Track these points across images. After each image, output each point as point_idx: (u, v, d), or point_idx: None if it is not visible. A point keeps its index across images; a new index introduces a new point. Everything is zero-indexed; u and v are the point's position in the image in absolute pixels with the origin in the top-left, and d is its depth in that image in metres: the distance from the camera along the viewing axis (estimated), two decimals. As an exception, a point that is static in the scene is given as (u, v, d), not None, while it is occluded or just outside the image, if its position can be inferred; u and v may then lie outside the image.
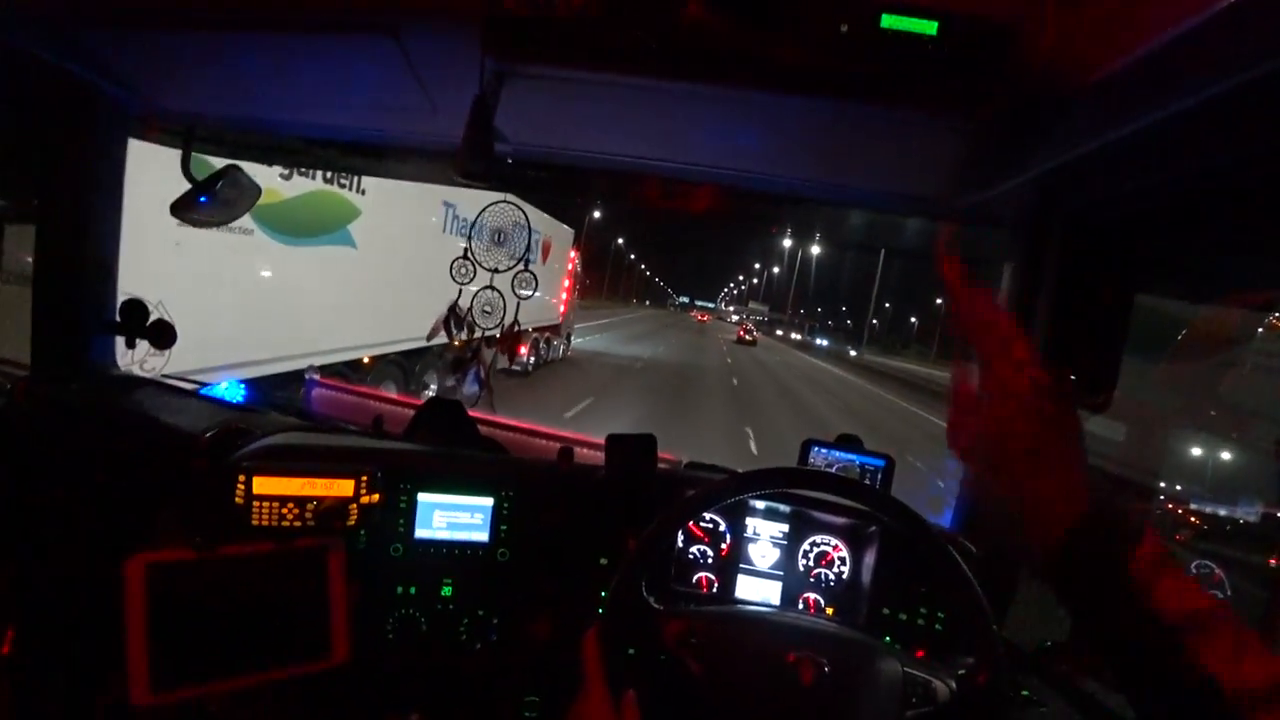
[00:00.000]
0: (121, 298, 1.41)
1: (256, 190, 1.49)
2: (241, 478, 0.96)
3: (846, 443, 1.41)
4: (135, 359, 1.51)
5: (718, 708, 0.74)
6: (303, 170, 4.70)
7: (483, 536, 1.15)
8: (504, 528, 1.16)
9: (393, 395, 1.55)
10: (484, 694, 1.18)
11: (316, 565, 1.03)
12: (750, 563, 1.26)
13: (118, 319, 1.37)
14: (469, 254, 1.26)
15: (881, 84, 0.78)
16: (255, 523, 0.97)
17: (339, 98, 1.25)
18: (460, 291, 1.24)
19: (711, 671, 0.75)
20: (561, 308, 13.19)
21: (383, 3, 0.87)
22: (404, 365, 6.88)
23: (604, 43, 0.81)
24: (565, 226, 12.65)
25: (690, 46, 0.79)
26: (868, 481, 1.35)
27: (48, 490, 1.19)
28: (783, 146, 1.10)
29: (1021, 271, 1.12)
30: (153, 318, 1.37)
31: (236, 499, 0.96)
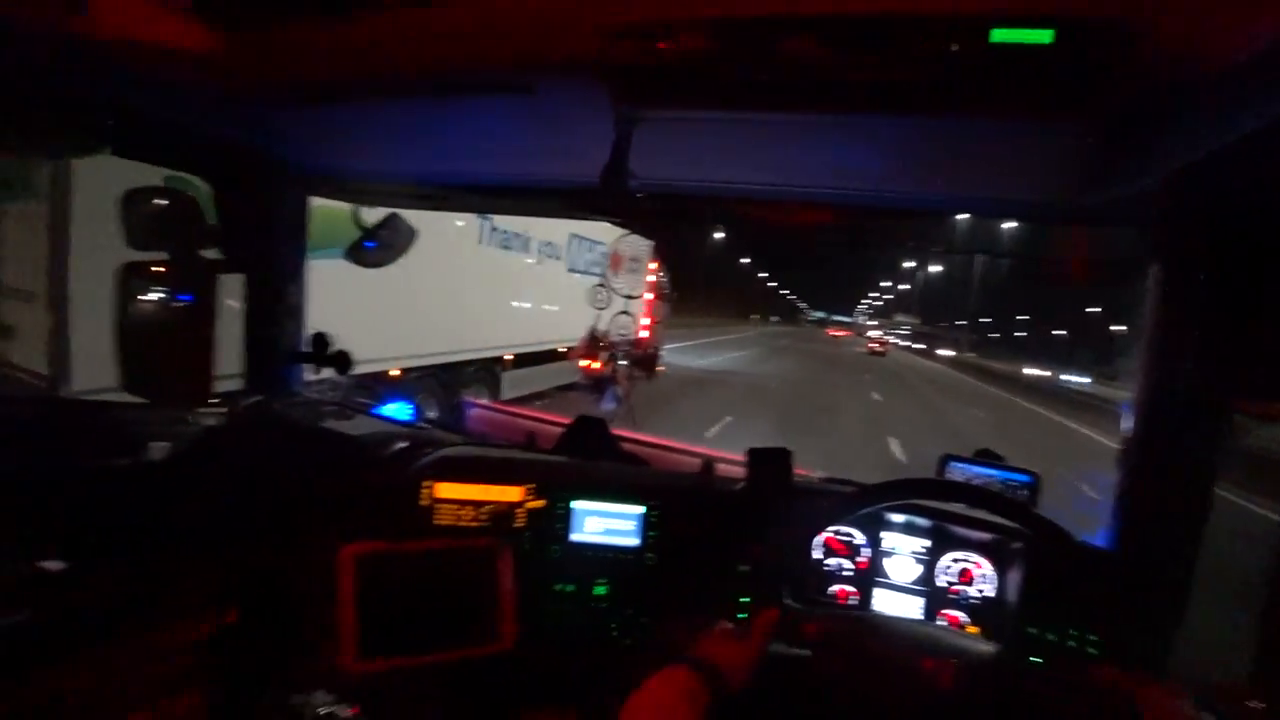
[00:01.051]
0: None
1: (412, 233, 1.70)
2: (426, 484, 1.12)
3: (987, 457, 1.38)
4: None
5: (852, 709, 0.76)
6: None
7: (633, 542, 1.25)
8: (652, 534, 1.25)
9: (541, 414, 1.69)
10: (630, 690, 1.26)
11: (488, 561, 1.16)
12: (888, 577, 1.27)
13: (306, 349, 1.60)
14: (605, 282, 1.37)
15: (996, 96, 0.77)
16: (436, 522, 1.12)
17: (480, 150, 1.39)
18: (599, 316, 1.35)
19: (847, 673, 0.78)
20: (644, 322, 13.07)
21: (520, 65, 0.96)
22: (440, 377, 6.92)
23: (717, 82, 0.86)
24: (641, 239, 12.52)
25: (798, 79, 0.82)
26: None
27: (262, 491, 1.42)
28: (898, 164, 1.12)
29: (1166, 271, 1.07)
30: (333, 348, 1.60)
31: (422, 501, 1.12)
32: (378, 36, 1.06)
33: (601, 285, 1.38)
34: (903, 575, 1.27)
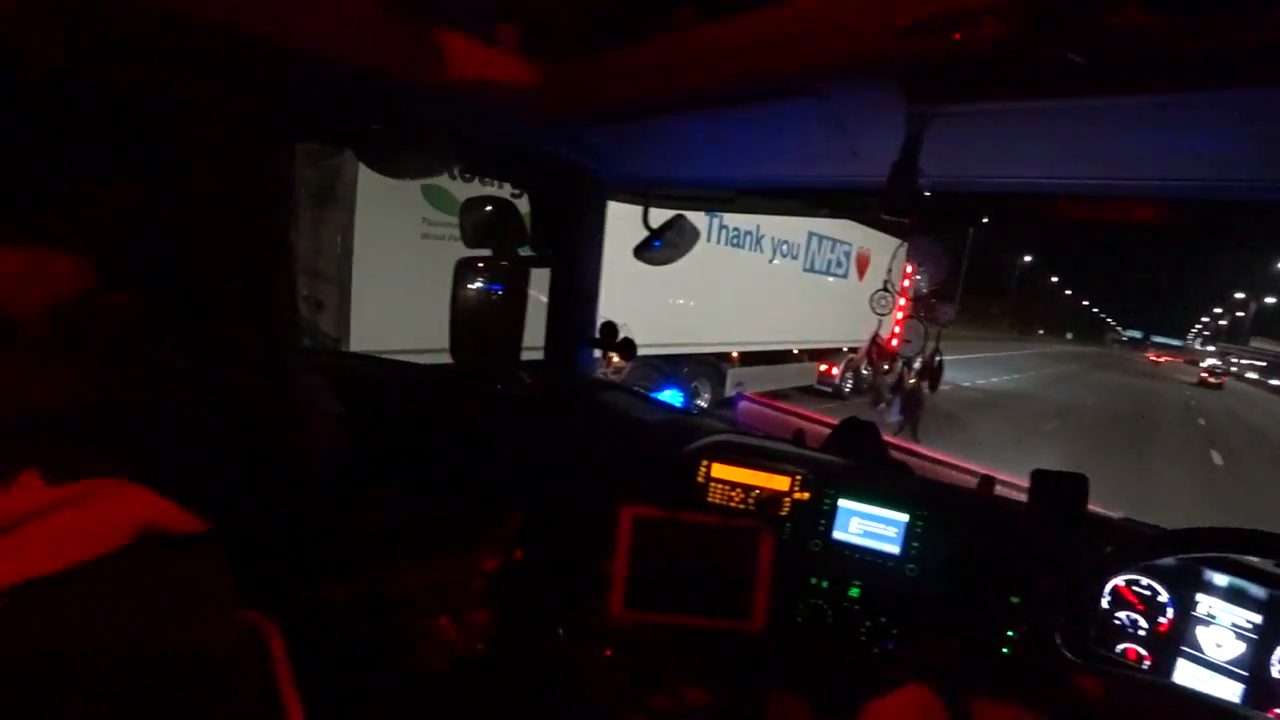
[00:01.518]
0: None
1: (696, 233, 1.86)
2: (704, 462, 1.22)
3: None
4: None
5: None
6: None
7: (894, 549, 1.24)
8: (915, 545, 1.23)
9: (811, 413, 1.74)
10: (870, 696, 1.25)
11: (751, 542, 1.24)
12: (1198, 649, 1.08)
13: (598, 335, 1.85)
14: (888, 285, 1.37)
15: None
16: (709, 500, 1.22)
17: (767, 154, 1.46)
18: (880, 322, 1.36)
19: None
20: (894, 327, 12.09)
21: (810, 69, 0.97)
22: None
23: (1024, 69, 0.79)
24: (891, 238, 11.45)
25: (1123, 57, 0.72)
26: None
27: (552, 453, 1.67)
28: (1243, 147, 0.95)
29: None
30: (620, 336, 1.81)
31: (699, 478, 1.23)
32: (672, 56, 1.16)
33: (885, 290, 1.35)
34: (1219, 651, 1.06)
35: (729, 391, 7.29)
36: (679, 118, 1.33)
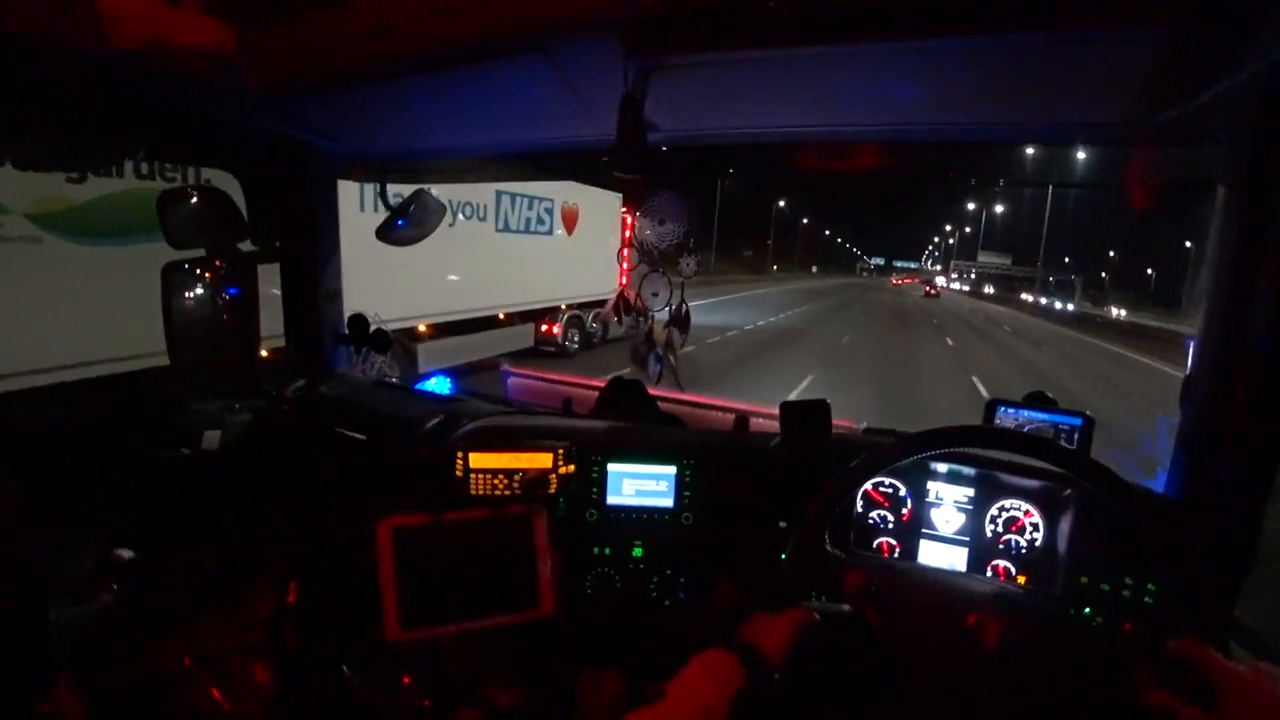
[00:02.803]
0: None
1: (442, 208, 1.71)
2: (460, 455, 1.13)
3: (1037, 401, 1.32)
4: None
5: (891, 664, 0.73)
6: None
7: (668, 503, 1.25)
8: (687, 494, 1.25)
9: (579, 379, 1.70)
10: (674, 650, 1.27)
11: (525, 528, 1.18)
12: (934, 528, 1.24)
13: (346, 331, 1.65)
14: (634, 242, 1.35)
15: (1051, 7, 0.72)
16: (473, 492, 1.14)
17: (500, 116, 1.39)
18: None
19: (888, 624, 0.75)
20: (621, 279, 12.10)
21: (531, 24, 0.95)
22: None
23: (743, 22, 0.82)
24: (605, 190, 11.11)
25: (833, 8, 0.77)
26: (1063, 442, 1.26)
27: (312, 472, 1.47)
28: (944, 92, 1.05)
29: (1243, 191, 0.98)
30: (372, 328, 1.63)
31: (456, 472, 1.13)
32: (386, 15, 1.06)
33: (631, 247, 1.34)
34: (948, 526, 1.23)
35: (423, 367, 6.82)
36: (403, 84, 1.23)
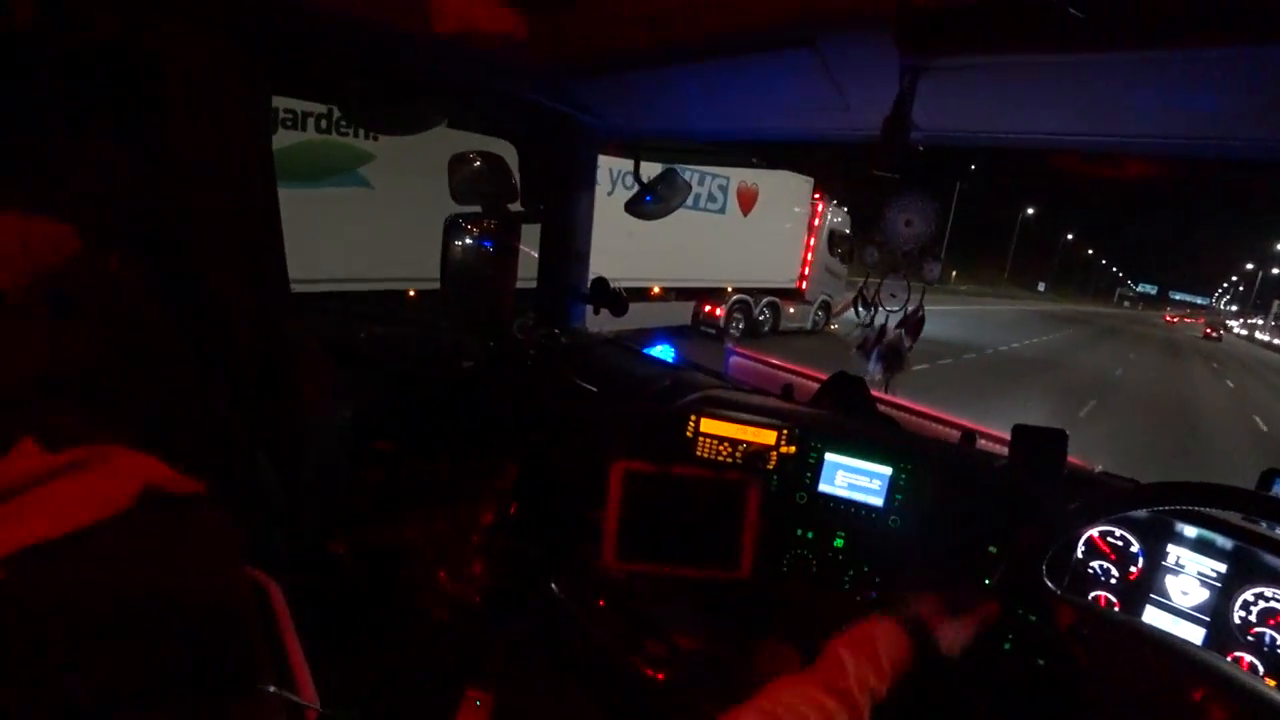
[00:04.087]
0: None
1: (688, 188, 1.85)
2: (693, 417, 1.25)
3: None
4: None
5: (1095, 711, 0.69)
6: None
7: (878, 501, 1.28)
8: (898, 497, 1.27)
9: (800, 368, 1.76)
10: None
11: (739, 495, 1.27)
12: (1165, 596, 1.12)
13: (588, 291, 1.85)
14: (878, 238, 1.36)
15: None
16: (698, 453, 1.25)
17: (759, 106, 1.44)
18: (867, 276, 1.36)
19: (1097, 670, 0.71)
20: (800, 269, 11.36)
21: (802, 18, 0.97)
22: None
23: (1024, 23, 0.78)
24: (795, 175, 10.66)
25: (1126, 10, 0.72)
26: None
27: (545, 407, 1.70)
28: (1248, 105, 0.93)
29: None
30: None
31: (687, 433, 1.26)
32: (660, 6, 1.14)
33: (873, 243, 1.34)
34: (1185, 598, 1.11)
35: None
36: (668, 69, 1.32)
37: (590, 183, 1.94)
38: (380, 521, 1.79)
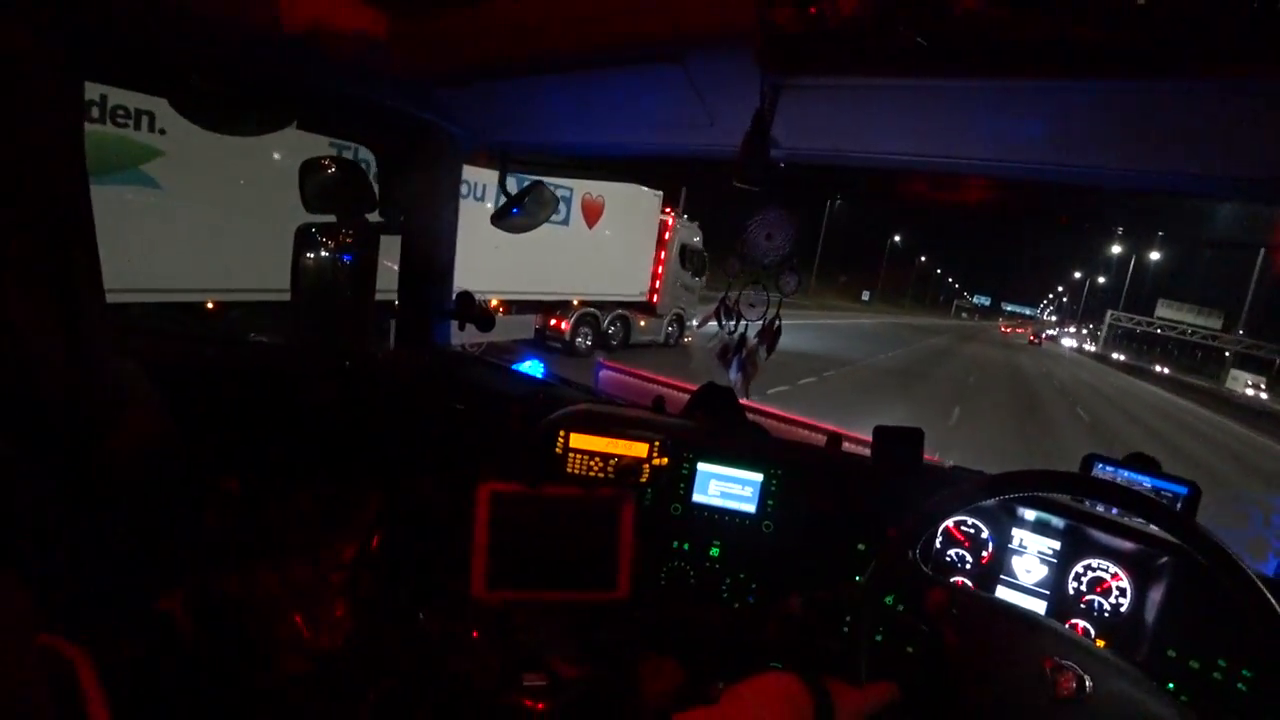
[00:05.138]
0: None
1: (556, 201, 1.81)
2: (562, 433, 1.21)
3: (1139, 462, 1.28)
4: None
5: (962, 686, 0.74)
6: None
7: (750, 508, 1.29)
8: (770, 503, 1.29)
9: (670, 380, 1.76)
10: (736, 652, 1.30)
11: (612, 511, 1.24)
12: (1013, 575, 1.23)
13: (453, 307, 1.76)
14: (740, 250, 1.40)
15: (1198, 56, 0.69)
16: (569, 470, 1.21)
17: (627, 120, 1.45)
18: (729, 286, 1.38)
19: (964, 648, 0.76)
20: (651, 283, 11.36)
21: (670, 35, 0.99)
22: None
23: (876, 48, 0.82)
24: (642, 188, 10.61)
25: (966, 42, 0.77)
26: None
27: (408, 431, 1.59)
28: (1074, 134, 1.04)
29: None
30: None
31: (557, 449, 1.21)
32: (529, 16, 1.13)
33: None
34: (1028, 576, 1.22)
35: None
36: (538, 80, 1.30)
37: (454, 194, 1.85)
38: (227, 570, 1.60)
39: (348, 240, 1.84)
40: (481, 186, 7.40)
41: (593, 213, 9.83)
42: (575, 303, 10.04)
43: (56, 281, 0.86)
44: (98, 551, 0.97)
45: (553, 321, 9.85)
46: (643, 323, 11.69)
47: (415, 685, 1.40)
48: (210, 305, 6.06)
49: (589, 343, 10.33)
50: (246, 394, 1.67)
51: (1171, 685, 1.03)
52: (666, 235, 11.46)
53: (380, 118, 1.71)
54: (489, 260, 7.51)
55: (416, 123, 1.69)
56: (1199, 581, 1.05)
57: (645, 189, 10.70)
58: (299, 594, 1.63)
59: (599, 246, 10.01)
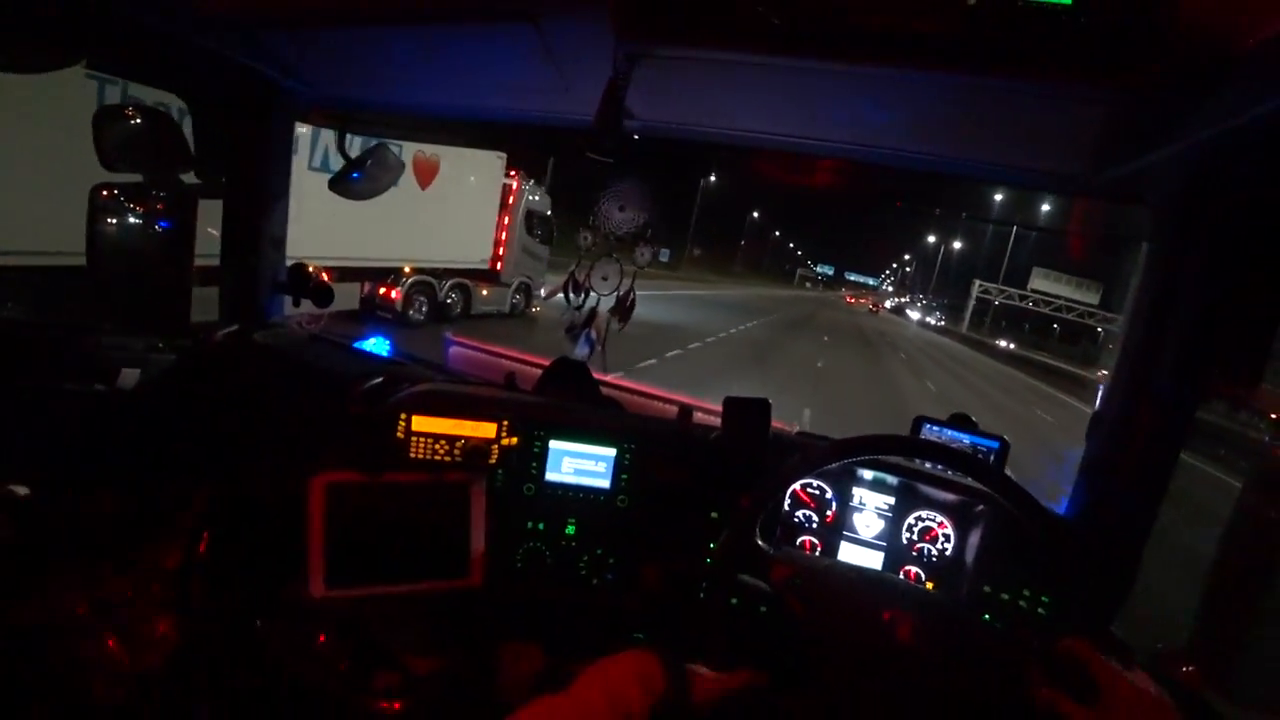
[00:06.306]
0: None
1: (401, 166, 1.68)
2: (403, 416, 1.13)
3: (960, 422, 1.41)
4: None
5: (814, 651, 0.78)
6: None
7: (604, 484, 1.28)
8: (624, 477, 1.28)
9: (522, 355, 1.70)
10: (598, 630, 1.30)
11: (462, 496, 1.18)
12: (854, 531, 1.32)
13: (284, 279, 1.59)
14: (593, 221, 1.36)
15: (1015, 57, 0.76)
16: (412, 455, 1.14)
17: (479, 82, 1.37)
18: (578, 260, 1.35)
19: (810, 616, 0.80)
20: (495, 250, 10.79)
21: None
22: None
23: (731, 23, 0.84)
24: (484, 151, 9.87)
25: (817, 23, 0.80)
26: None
27: (236, 420, 1.43)
28: (912, 122, 1.11)
29: (1164, 252, 1.08)
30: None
31: (398, 434, 1.13)
32: None
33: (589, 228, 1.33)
34: (868, 530, 1.32)
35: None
36: (380, 31, 1.19)
37: (286, 154, 1.67)
38: (17, 592, 1.38)
39: (157, 205, 1.62)
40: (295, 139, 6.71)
41: (426, 173, 8.96)
42: (407, 270, 9.31)
43: None
44: None
45: (382, 290, 9.09)
46: (485, 291, 11.01)
47: (255, 701, 1.28)
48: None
49: (424, 313, 9.66)
50: (32, 383, 1.43)
51: (987, 616, 1.17)
52: (511, 199, 10.82)
53: (196, 63, 1.50)
54: (305, 222, 6.60)
55: (242, 72, 1.49)
56: (1007, 524, 1.17)
57: (487, 151, 9.93)
58: (110, 611, 1.44)
59: (434, 210, 9.15)
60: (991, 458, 1.36)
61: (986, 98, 0.94)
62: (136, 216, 1.62)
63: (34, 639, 1.34)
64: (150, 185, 1.59)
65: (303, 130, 6.89)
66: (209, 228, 1.66)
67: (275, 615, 1.29)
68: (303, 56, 1.46)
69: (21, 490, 1.43)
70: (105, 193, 1.53)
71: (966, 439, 1.38)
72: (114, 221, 1.59)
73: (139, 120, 1.58)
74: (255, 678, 1.28)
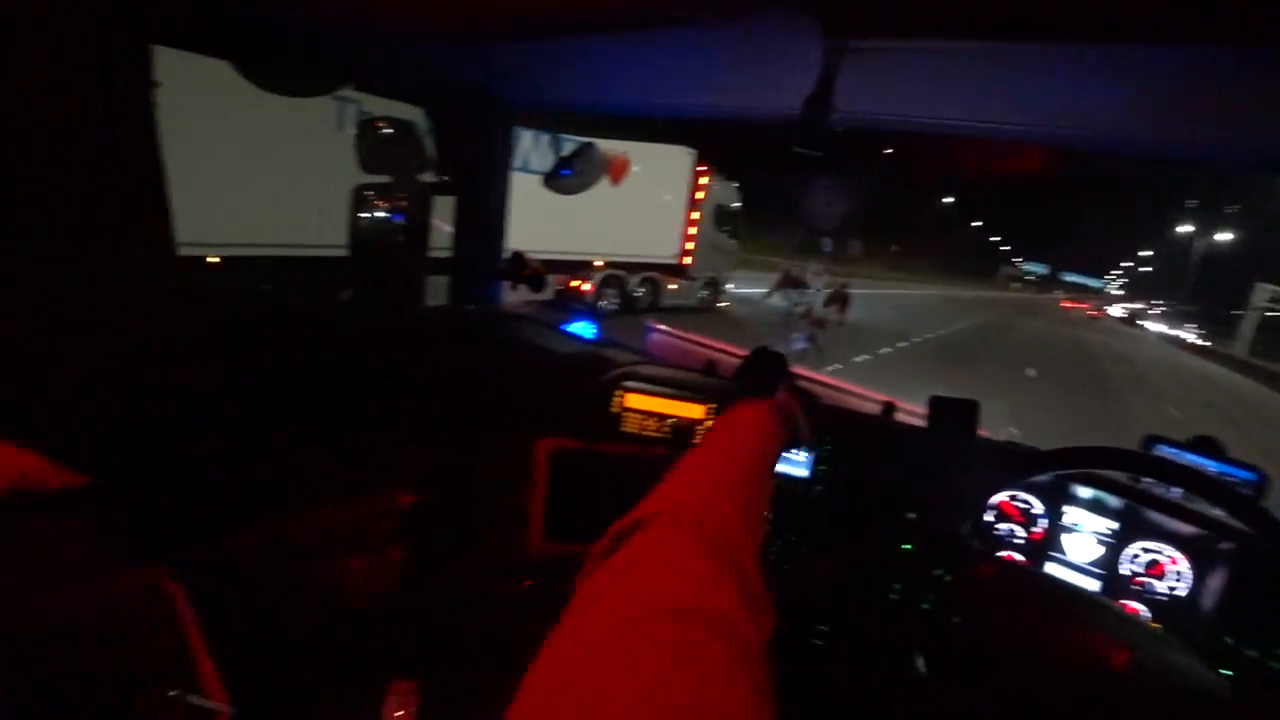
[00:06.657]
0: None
1: (606, 163, 1.82)
2: (618, 393, 1.24)
3: (1204, 445, 1.24)
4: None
5: (1009, 661, 0.72)
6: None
7: (803, 472, 1.31)
8: (822, 468, 1.30)
9: (722, 344, 1.78)
10: (783, 613, 1.34)
11: (665, 469, 1.28)
12: (1064, 554, 1.22)
13: (505, 267, 1.80)
14: (799, 218, 1.39)
15: (1264, 22, 0.66)
16: (624, 429, 1.25)
17: (684, 82, 1.42)
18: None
19: (1012, 622, 0.75)
20: (682, 245, 10.99)
21: None
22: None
23: (940, 11, 0.82)
24: (674, 147, 10.15)
25: (1034, 5, 0.76)
26: None
27: (464, 389, 1.64)
28: (1141, 104, 1.01)
29: None
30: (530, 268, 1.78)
31: (613, 409, 1.25)
32: None
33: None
34: (1081, 555, 1.21)
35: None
36: (591, 39, 1.27)
37: (506, 154, 1.87)
38: (284, 512, 1.68)
39: (401, 202, 1.89)
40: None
41: (616, 170, 9.22)
42: (599, 263, 9.76)
43: (127, 237, 0.91)
44: (174, 489, 1.02)
45: (574, 282, 9.55)
46: (673, 285, 11.29)
47: (466, 629, 1.46)
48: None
49: (615, 305, 10.08)
50: (307, 347, 1.73)
51: (1227, 672, 1.00)
52: (700, 195, 10.96)
53: (434, 79, 1.73)
54: (509, 218, 7.22)
55: (469, 84, 1.70)
56: (1263, 570, 1.03)
57: (677, 146, 10.27)
58: (356, 537, 1.71)
59: (625, 205, 9.52)
60: (1247, 492, 1.18)
61: (1228, 71, 0.83)
62: (384, 211, 1.90)
63: (298, 550, 1.62)
64: (396, 185, 1.86)
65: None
66: (443, 223, 1.92)
67: (489, 559, 1.45)
68: (518, 68, 1.62)
69: (287, 432, 1.73)
70: (363, 192, 1.82)
71: (1214, 466, 1.21)
72: (367, 216, 1.87)
73: (389, 130, 1.85)
74: (470, 612, 1.46)
